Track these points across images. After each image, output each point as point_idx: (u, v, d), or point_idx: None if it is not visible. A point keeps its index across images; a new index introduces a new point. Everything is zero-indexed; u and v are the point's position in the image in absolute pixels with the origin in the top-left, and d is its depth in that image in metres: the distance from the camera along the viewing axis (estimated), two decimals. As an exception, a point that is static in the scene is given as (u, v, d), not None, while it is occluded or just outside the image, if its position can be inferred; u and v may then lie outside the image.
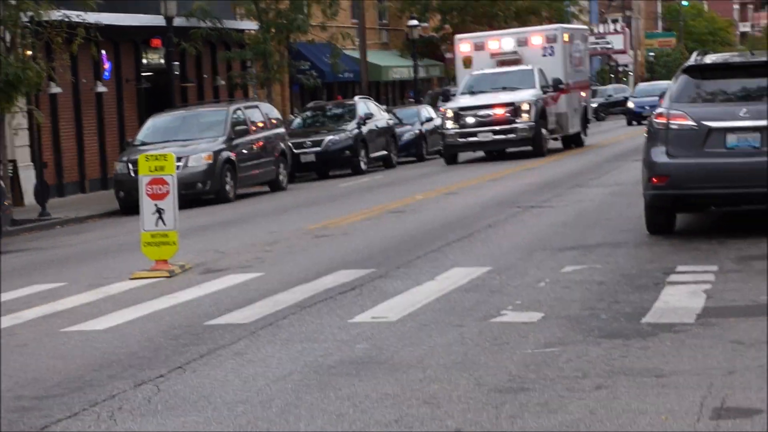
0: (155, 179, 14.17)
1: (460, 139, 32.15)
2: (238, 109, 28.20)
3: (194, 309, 11.19)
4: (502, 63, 35.00)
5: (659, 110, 13.63)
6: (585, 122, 38.26)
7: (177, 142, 26.10)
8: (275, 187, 28.83)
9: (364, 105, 35.68)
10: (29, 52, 25.11)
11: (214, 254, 15.58)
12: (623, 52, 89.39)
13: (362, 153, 33.76)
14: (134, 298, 12.19)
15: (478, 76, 34.01)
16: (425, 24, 58.12)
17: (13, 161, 28.29)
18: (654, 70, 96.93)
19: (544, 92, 33.03)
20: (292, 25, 37.43)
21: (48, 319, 11.29)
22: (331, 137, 33.09)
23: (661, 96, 13.80)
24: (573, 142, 36.58)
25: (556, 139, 35.15)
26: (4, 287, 14.06)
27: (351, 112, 34.82)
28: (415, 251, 14.09)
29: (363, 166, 33.52)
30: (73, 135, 33.39)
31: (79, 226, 24.11)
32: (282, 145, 29.38)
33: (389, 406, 7.04)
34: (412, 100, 52.27)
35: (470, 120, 32.04)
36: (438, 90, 52.42)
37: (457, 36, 37.37)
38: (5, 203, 20.18)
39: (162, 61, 35.57)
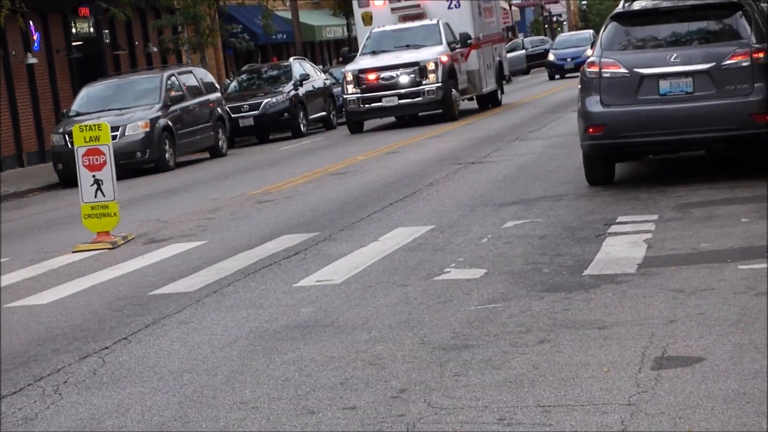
0: (91, 149, 14.09)
1: (363, 105, 29.68)
2: (172, 75, 28.01)
3: (138, 279, 11.19)
4: (404, 18, 32.25)
5: (591, 59, 13.72)
6: (501, 79, 35.89)
7: (112, 112, 25.92)
8: (215, 153, 28.73)
9: (299, 66, 35.56)
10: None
11: (156, 224, 15.54)
12: (556, 1, 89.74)
13: (301, 115, 33.66)
14: (77, 271, 12.16)
15: (378, 33, 31.27)
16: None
17: (-54, 137, 27.99)
18: (588, 19, 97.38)
19: (452, 49, 30.56)
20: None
21: (-10, 297, 11.23)
22: (268, 100, 32.97)
23: (591, 46, 13.94)
24: (489, 101, 34.28)
25: (471, 99, 33.11)
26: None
27: (287, 73, 34.69)
28: (359, 213, 14.14)
29: (303, 128, 33.45)
30: (6, 108, 33.03)
31: (18, 201, 23.91)
32: (219, 110, 29.26)
33: (334, 369, 7.11)
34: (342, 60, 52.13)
35: (372, 83, 29.57)
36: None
37: None
38: None
39: (92, 30, 35.22)
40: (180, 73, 28.54)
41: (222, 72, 45.32)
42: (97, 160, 14.08)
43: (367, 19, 32.43)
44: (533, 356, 6.95)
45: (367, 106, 29.55)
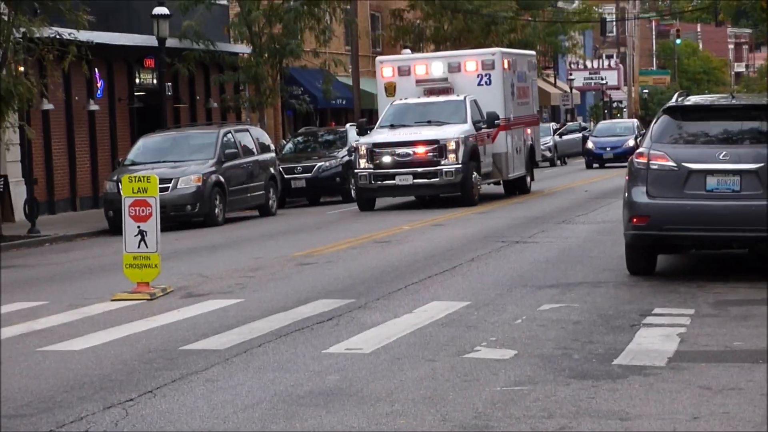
0: (138, 200, 14.21)
1: (375, 182, 27.26)
2: (229, 132, 28.27)
3: (171, 333, 11.22)
4: (430, 92, 29.74)
5: (640, 150, 13.72)
6: (532, 165, 33.10)
7: (167, 164, 26.19)
8: (264, 211, 28.88)
9: (355, 132, 35.73)
10: (21, 68, 25.16)
11: (197, 278, 15.61)
12: (617, 88, 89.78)
13: (352, 181, 33.77)
14: (113, 320, 12.22)
15: (399, 106, 28.98)
16: (419, 54, 58.29)
17: (4, 176, 28.30)
18: (648, 107, 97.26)
19: (477, 128, 28.19)
20: (285, 50, 37.54)
21: (26, 338, 11.31)
22: (321, 163, 33.17)
23: (640, 137, 13.83)
24: (517, 187, 31.57)
25: (498, 182, 30.84)
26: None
27: (342, 139, 34.91)
28: (396, 283, 14.14)
29: (353, 194, 33.53)
30: (64, 152, 33.44)
31: (67, 244, 24.11)
32: (272, 170, 29.45)
33: (355, 440, 7.08)
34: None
35: (386, 159, 27.19)
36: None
37: (379, 58, 31.95)
38: None
39: (155, 81, 35.66)
40: (237, 131, 28.80)
41: (279, 132, 45.67)
42: (143, 211, 14.19)
43: (390, 90, 30.07)
44: (552, 443, 6.90)
45: (379, 183, 27.28)
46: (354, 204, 31.81)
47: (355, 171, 27.94)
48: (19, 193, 29.29)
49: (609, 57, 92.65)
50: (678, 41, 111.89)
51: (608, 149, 48.80)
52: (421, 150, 27.16)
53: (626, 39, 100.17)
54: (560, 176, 42.88)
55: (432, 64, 30.19)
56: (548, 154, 54.38)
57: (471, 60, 30.22)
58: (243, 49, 39.22)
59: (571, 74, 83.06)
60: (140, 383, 8.93)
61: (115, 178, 26.00)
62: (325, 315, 11.87)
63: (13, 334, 11.60)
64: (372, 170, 27.25)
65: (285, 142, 37.75)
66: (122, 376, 9.26)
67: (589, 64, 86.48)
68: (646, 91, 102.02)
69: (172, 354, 10.09)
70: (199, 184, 25.87)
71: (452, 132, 27.38)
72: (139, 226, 14.15)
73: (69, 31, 25.48)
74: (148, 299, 13.64)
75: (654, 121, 14.08)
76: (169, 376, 9.15)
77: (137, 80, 36.88)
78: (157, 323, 11.87)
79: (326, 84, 40.74)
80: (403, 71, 30.11)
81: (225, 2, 39.61)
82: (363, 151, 27.50)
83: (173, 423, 7.65)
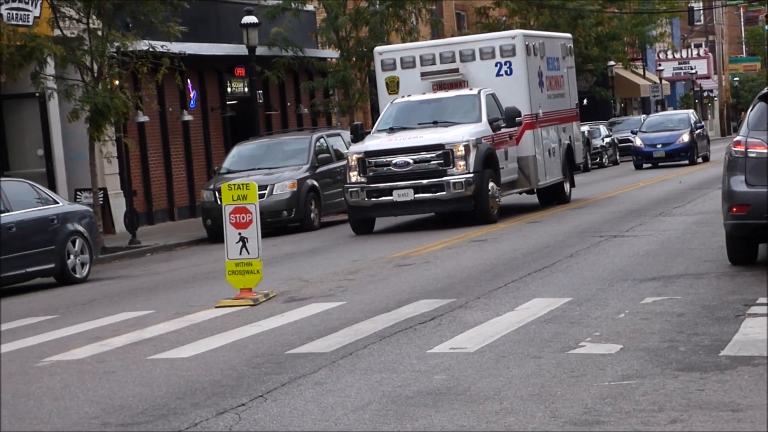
0: (238, 208, 14.38)
1: (369, 199, 22.56)
2: (321, 137, 28.47)
3: (277, 337, 11.36)
4: (439, 86, 25.03)
5: (737, 138, 13.56)
6: (570, 168, 27.76)
7: (262, 170, 26.47)
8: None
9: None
10: (116, 82, 25.61)
11: (297, 282, 15.76)
12: (707, 77, 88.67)
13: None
14: (219, 327, 12.39)
15: (400, 105, 24.30)
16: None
17: (104, 189, 28.81)
18: (739, 95, 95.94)
19: (495, 128, 23.47)
20: (372, 53, 37.69)
21: (135, 347, 11.52)
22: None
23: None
24: (555, 197, 26.71)
25: (530, 191, 26.06)
26: (95, 314, 14.38)
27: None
28: (496, 281, 14.15)
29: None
30: (161, 163, 33.92)
31: (168, 254, 24.47)
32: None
33: (466, 438, 7.12)
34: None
35: (381, 171, 22.56)
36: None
37: (377, 48, 26.86)
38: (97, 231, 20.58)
39: (246, 89, 36.02)
40: (328, 136, 29.00)
41: (370, 135, 45.81)
42: (243, 218, 14.36)
43: (393, 86, 25.36)
44: (664, 437, 6.87)
45: (373, 200, 22.57)
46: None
47: (345, 186, 23.25)
48: (118, 205, 29.79)
49: (698, 46, 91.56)
50: (767, 27, 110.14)
51: (659, 146, 42.41)
52: (423, 157, 22.38)
53: (714, 27, 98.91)
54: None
55: (441, 53, 25.29)
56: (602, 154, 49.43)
57: (487, 46, 25.26)
58: (331, 53, 39.46)
59: (660, 65, 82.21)
60: (250, 388, 9.05)
61: (211, 187, 26.33)
62: (427, 315, 11.92)
63: (122, 343, 11.81)
64: (365, 184, 22.57)
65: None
66: (232, 381, 9.40)
67: (677, 54, 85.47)
68: (737, 79, 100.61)
69: (279, 358, 10.21)
70: (294, 189, 26.11)
71: (461, 134, 22.63)
72: (240, 233, 14.32)
73: (161, 43, 25.87)
74: (251, 305, 13.80)
75: (750, 108, 13.91)
76: (278, 380, 9.26)
77: (228, 89, 37.30)
78: (262, 328, 12.01)
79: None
80: (407, 63, 25.39)
81: (312, 8, 39.87)
82: (353, 161, 22.83)
83: (286, 427, 7.75)
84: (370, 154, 22.74)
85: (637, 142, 43.28)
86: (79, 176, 28.67)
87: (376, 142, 23.11)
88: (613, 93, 67.17)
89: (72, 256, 19.28)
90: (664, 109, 79.17)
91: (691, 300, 11.67)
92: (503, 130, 23.82)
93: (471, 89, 24.26)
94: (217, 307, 13.86)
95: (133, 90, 27.18)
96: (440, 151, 22.37)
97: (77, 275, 19.29)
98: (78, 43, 25.25)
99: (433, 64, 25.15)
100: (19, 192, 19.35)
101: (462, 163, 22.32)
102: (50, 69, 25.47)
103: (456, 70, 25.01)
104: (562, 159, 27.00)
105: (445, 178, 22.27)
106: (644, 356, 9.12)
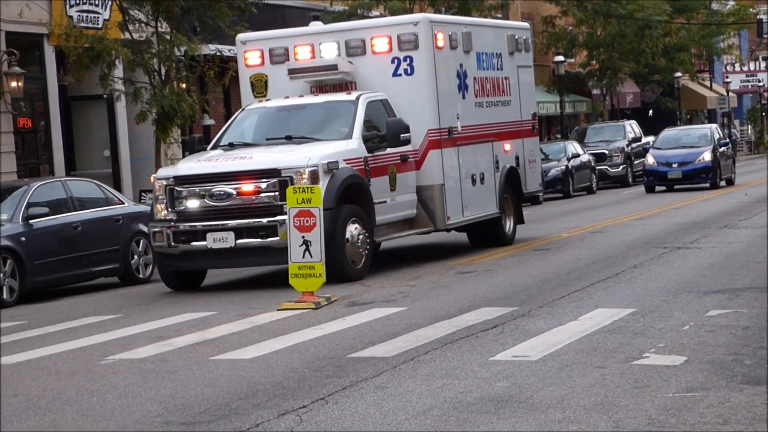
0: (302, 211, 14.42)
1: (176, 244, 16.51)
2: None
3: (338, 341, 11.37)
4: (319, 89, 18.80)
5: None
6: (516, 198, 21.05)
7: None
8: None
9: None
10: (183, 85, 25.82)
11: (359, 287, 15.77)
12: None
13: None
14: (281, 329, 12.43)
15: (252, 113, 18.50)
16: (571, 60, 57.96)
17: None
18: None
19: (372, 147, 17.41)
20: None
21: (198, 347, 11.59)
22: (476, 172, 32.76)
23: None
24: (487, 237, 20.43)
25: (435, 231, 19.10)
26: (158, 314, 14.50)
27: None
28: (559, 290, 14.08)
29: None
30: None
31: (228, 256, 24.52)
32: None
33: (528, 446, 7.08)
34: (558, 136, 52.11)
35: (193, 205, 16.50)
36: (583, 126, 52.13)
37: (240, 36, 20.04)
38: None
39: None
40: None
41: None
42: (307, 221, 14.39)
43: (260, 86, 19.27)
44: (730, 450, 6.79)
45: (181, 246, 16.49)
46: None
47: (149, 225, 17.20)
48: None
49: (766, 59, 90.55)
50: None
51: (675, 165, 35.85)
52: (249, 188, 16.25)
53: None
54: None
55: (322, 44, 18.81)
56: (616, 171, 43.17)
57: (381, 36, 18.59)
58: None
59: (727, 77, 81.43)
60: (312, 390, 9.07)
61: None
62: (489, 323, 11.88)
63: (185, 343, 11.89)
64: (172, 224, 16.56)
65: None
66: (294, 383, 9.42)
67: (745, 66, 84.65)
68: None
69: (340, 361, 10.22)
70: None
71: (309, 155, 16.41)
72: (303, 236, 14.36)
73: (228, 47, 26.04)
74: (313, 308, 13.83)
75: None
76: (339, 383, 9.27)
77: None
78: (324, 332, 12.03)
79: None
80: (279, 56, 19.10)
81: (377, 14, 39.93)
82: (160, 189, 16.75)
83: (347, 429, 7.75)
84: (181, 180, 16.63)
85: (650, 160, 36.43)
86: (145, 177, 28.89)
87: (191, 164, 17.11)
88: (679, 104, 66.68)
89: (136, 257, 19.45)
90: (730, 122, 78.45)
91: (757, 313, 11.54)
92: (387, 151, 17.60)
93: (349, 93, 18.21)
94: (279, 310, 13.90)
95: (199, 93, 27.39)
96: (275, 179, 16.15)
97: (140, 275, 19.45)
98: (146, 46, 25.49)
99: (313, 58, 18.87)
100: (85, 191, 19.59)
101: None
102: (118, 71, 25.73)
103: (334, 67, 18.51)
104: (499, 188, 20.21)
105: (280, 218, 15.88)
106: (709, 369, 9.03)
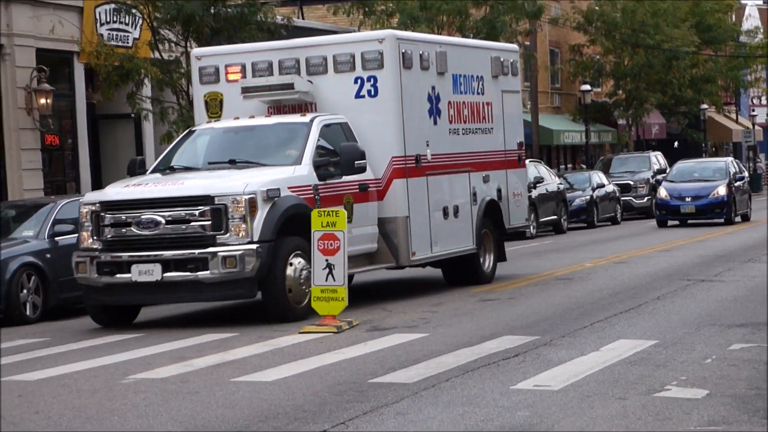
0: (326, 234, 14.43)
1: (100, 276, 15.23)
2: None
3: (359, 366, 11.37)
4: (277, 109, 17.43)
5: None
6: (497, 233, 19.66)
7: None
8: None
9: (534, 168, 35.70)
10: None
11: (381, 312, 15.77)
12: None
13: (531, 217, 33.65)
14: (302, 352, 12.44)
15: (198, 135, 17.18)
16: (598, 89, 57.96)
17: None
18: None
19: (324, 174, 16.07)
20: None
21: (219, 368, 11.60)
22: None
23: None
24: (463, 274, 18.99)
25: (400, 267, 17.56)
26: (179, 334, 14.50)
27: (522, 175, 34.68)
28: (581, 320, 14.04)
29: (532, 230, 33.44)
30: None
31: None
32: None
33: (548, 477, 7.06)
34: (583, 166, 52.06)
35: (119, 233, 15.19)
36: (609, 156, 52.06)
37: (195, 51, 18.88)
38: None
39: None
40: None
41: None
42: (331, 245, 14.41)
43: (214, 106, 17.85)
44: (751, 486, 6.75)
45: (104, 278, 15.22)
46: (533, 240, 31.69)
47: (74, 254, 15.73)
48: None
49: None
50: None
51: (688, 199, 34.54)
52: (180, 215, 14.93)
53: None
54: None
55: (281, 61, 17.50)
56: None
57: (343, 53, 17.24)
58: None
59: (753, 110, 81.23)
60: (332, 415, 9.07)
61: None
62: (511, 351, 11.85)
63: (206, 364, 11.90)
64: (97, 252, 15.27)
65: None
66: (314, 407, 9.41)
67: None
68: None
69: (361, 386, 10.22)
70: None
71: (247, 181, 15.11)
72: (327, 260, 14.37)
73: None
74: (335, 332, 13.83)
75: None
76: (360, 408, 9.26)
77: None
78: (345, 356, 12.03)
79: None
80: (233, 72, 17.81)
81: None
82: (84, 216, 15.50)
83: (367, 455, 7.75)
84: (107, 206, 15.34)
85: (662, 193, 35.12)
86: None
87: (118, 189, 15.86)
88: (705, 136, 66.57)
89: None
90: (756, 155, 78.20)
91: (781, 348, 11.48)
92: (344, 179, 16.25)
93: (303, 115, 16.80)
94: (300, 333, 13.91)
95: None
96: (207, 207, 14.85)
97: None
98: (175, 66, 25.62)
99: (271, 75, 17.50)
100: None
101: (242, 226, 14.79)
102: (147, 90, 25.86)
103: (290, 86, 17.08)
104: (477, 222, 18.76)
105: (211, 249, 14.72)
106: (731, 403, 8.99)
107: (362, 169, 16.31)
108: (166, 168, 16.62)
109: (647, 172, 44.29)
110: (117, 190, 15.76)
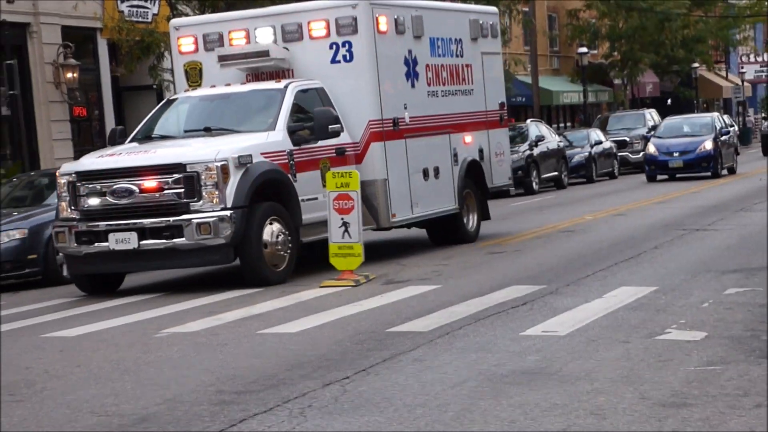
0: (341, 194, 14.50)
1: (79, 246, 14.83)
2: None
3: (377, 316, 11.45)
4: (255, 77, 17.02)
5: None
6: (480, 193, 19.15)
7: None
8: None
9: (536, 128, 35.72)
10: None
11: (395, 266, 15.85)
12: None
13: (534, 174, 33.73)
14: (323, 305, 12.53)
15: (175, 103, 16.78)
16: (594, 51, 57.76)
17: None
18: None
19: (299, 140, 15.56)
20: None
21: (246, 322, 11.70)
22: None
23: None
24: (448, 233, 18.60)
25: (382, 229, 17.38)
26: (207, 290, 14.60)
27: (523, 134, 34.85)
28: (584, 270, 14.10)
29: (534, 186, 33.49)
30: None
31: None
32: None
33: (558, 416, 7.14)
34: (581, 124, 51.99)
35: (94, 202, 14.74)
36: (605, 114, 51.99)
37: (174, 22, 18.46)
38: None
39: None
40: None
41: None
42: (346, 204, 14.48)
43: (194, 75, 17.44)
44: (750, 419, 6.83)
45: (83, 247, 14.79)
46: (536, 196, 31.74)
47: (53, 224, 15.62)
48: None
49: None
50: None
51: (676, 154, 34.27)
52: (151, 184, 14.46)
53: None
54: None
55: (257, 29, 16.99)
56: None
57: (318, 20, 16.67)
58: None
59: (742, 67, 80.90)
60: (354, 362, 9.16)
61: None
62: (519, 300, 11.93)
63: (234, 318, 12.01)
64: (75, 222, 14.88)
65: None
66: (337, 355, 9.51)
67: (760, 57, 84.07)
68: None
69: (380, 336, 10.31)
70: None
71: (218, 148, 14.64)
72: (342, 218, 14.45)
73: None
74: (353, 285, 13.92)
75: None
76: (379, 356, 9.35)
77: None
78: (364, 308, 12.12)
79: (507, 82, 40.67)
80: (212, 42, 17.27)
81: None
82: (62, 187, 15.08)
83: (388, 399, 7.83)
84: (82, 176, 14.84)
85: (651, 149, 34.73)
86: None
87: (93, 159, 15.42)
88: (696, 94, 66.36)
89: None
90: (745, 110, 77.93)
91: (773, 292, 11.53)
92: (319, 144, 15.77)
93: (278, 81, 16.43)
94: (321, 287, 14.00)
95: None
96: (180, 174, 14.35)
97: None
98: (193, 38, 25.57)
99: (248, 43, 17.01)
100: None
101: (215, 193, 14.30)
102: (167, 62, 25.86)
103: (266, 53, 16.68)
104: (458, 182, 18.28)
105: (185, 216, 14.28)
106: (728, 344, 9.06)
107: (336, 134, 15.88)
108: (144, 137, 16.17)
109: (642, 128, 44.31)
110: (92, 161, 15.28)
